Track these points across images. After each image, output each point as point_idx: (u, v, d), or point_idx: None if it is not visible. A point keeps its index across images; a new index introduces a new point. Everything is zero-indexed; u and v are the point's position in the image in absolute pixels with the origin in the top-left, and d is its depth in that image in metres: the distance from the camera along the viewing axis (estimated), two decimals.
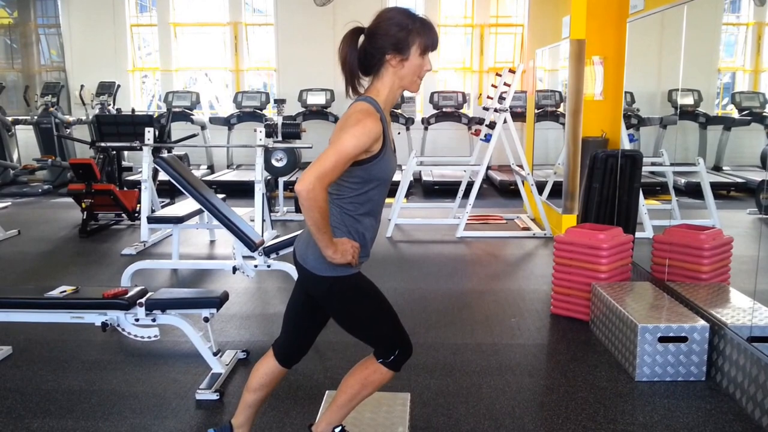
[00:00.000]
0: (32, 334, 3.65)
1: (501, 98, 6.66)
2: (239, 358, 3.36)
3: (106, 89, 10.13)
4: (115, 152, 7.58)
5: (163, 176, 4.79)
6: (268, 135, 6.37)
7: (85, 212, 6.36)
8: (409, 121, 9.83)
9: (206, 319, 3.14)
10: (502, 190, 8.82)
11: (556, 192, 6.30)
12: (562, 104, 7.91)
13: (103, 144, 7.08)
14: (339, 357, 3.35)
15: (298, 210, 6.80)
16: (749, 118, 6.24)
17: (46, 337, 3.64)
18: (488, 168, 7.97)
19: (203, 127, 9.93)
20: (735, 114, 6.57)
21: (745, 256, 3.81)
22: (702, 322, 3.11)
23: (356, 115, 1.95)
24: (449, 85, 10.87)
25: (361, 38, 2.01)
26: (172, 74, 10.90)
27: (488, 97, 7.27)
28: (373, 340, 2.20)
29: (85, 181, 6.36)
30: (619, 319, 3.31)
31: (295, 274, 4.01)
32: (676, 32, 4.32)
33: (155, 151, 6.16)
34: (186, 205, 5.45)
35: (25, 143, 10.00)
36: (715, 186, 5.59)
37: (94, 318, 3.06)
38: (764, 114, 5.97)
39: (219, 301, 3.15)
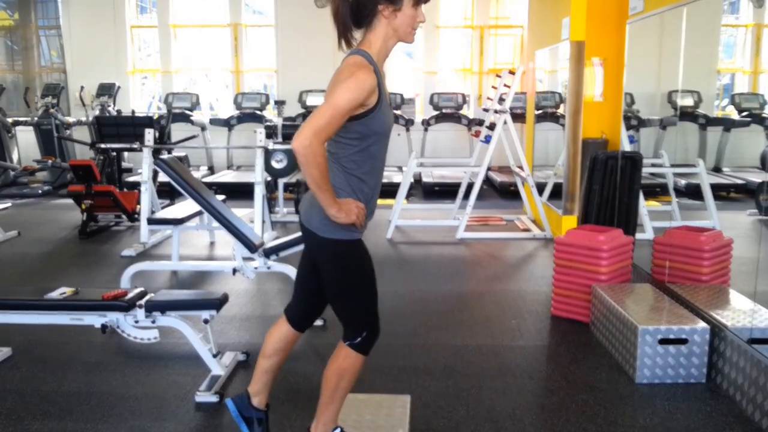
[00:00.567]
0: (32, 336, 3.65)
1: (501, 99, 6.66)
2: (239, 359, 3.36)
3: (106, 90, 10.15)
4: (115, 153, 7.58)
5: (163, 177, 4.79)
6: (269, 136, 6.38)
7: (85, 213, 6.35)
8: (409, 123, 9.82)
9: (206, 321, 3.14)
10: (502, 191, 8.82)
11: (556, 193, 6.29)
12: (562, 105, 7.91)
13: (103, 145, 7.08)
14: None
15: (298, 211, 6.80)
16: (749, 119, 6.24)
17: (45, 339, 3.64)
18: (488, 169, 7.96)
19: (203, 129, 9.93)
20: (735, 115, 6.57)
21: (745, 258, 3.81)
22: (702, 324, 3.11)
23: (349, 69, 1.95)
24: (449, 86, 10.87)
25: None
26: (172, 75, 10.90)
27: (488, 99, 7.27)
28: (347, 314, 2.19)
29: (85, 183, 6.36)
30: (620, 320, 3.31)
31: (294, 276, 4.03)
32: (676, 34, 4.32)
33: (155, 153, 6.16)
34: (186, 206, 5.45)
35: (25, 144, 10.00)
36: (715, 187, 5.58)
37: (94, 320, 3.06)
38: (764, 115, 5.97)
39: (219, 303, 3.15)
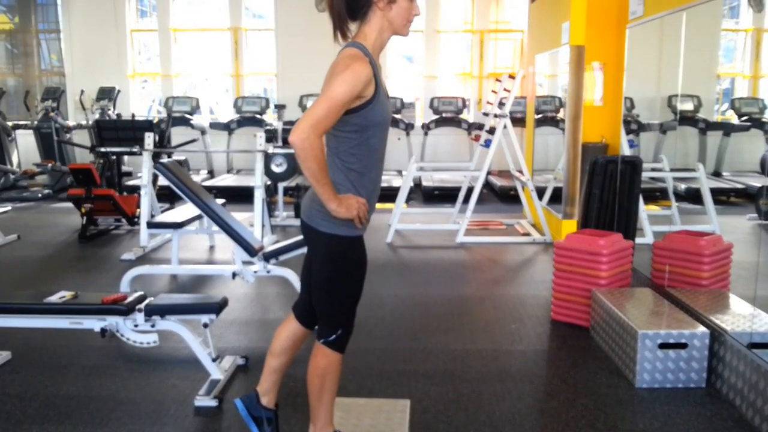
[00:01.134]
0: (31, 340, 3.64)
1: (501, 104, 6.67)
2: (238, 364, 3.35)
3: (107, 94, 10.15)
4: (115, 157, 7.58)
5: (162, 181, 4.79)
6: (269, 140, 6.38)
7: (85, 217, 6.35)
8: (409, 127, 9.83)
9: (205, 325, 3.14)
10: (502, 195, 8.82)
11: (556, 197, 6.30)
12: (561, 110, 7.92)
13: (103, 149, 7.08)
14: None
15: (297, 215, 6.80)
16: (749, 123, 6.24)
17: (45, 343, 3.63)
18: (488, 173, 7.96)
19: (203, 132, 9.93)
20: (734, 120, 6.58)
21: (745, 262, 3.81)
22: (702, 329, 3.11)
23: (345, 61, 1.96)
24: (449, 90, 10.87)
25: None
26: (172, 79, 10.91)
27: (488, 103, 7.27)
28: (327, 310, 2.19)
29: (85, 186, 6.36)
30: (620, 325, 3.30)
31: (295, 281, 4.03)
32: (676, 38, 4.33)
33: (155, 156, 6.16)
34: (186, 210, 5.44)
35: (25, 148, 10.00)
36: (714, 192, 5.59)
37: (93, 324, 3.05)
38: (763, 120, 5.98)
39: (218, 307, 3.14)
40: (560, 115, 8.09)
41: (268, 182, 6.68)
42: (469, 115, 10.46)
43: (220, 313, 3.17)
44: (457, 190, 7.26)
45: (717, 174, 6.60)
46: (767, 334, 2.99)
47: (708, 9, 4.12)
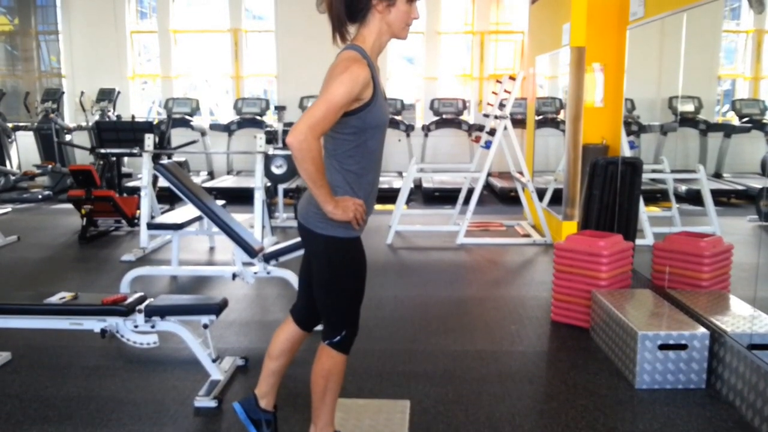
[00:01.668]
0: (31, 340, 3.64)
1: (501, 105, 6.67)
2: (238, 365, 3.35)
3: (106, 96, 10.16)
4: (115, 158, 7.59)
5: (162, 182, 4.79)
6: (269, 141, 6.38)
7: (85, 218, 6.35)
8: (409, 128, 9.83)
9: (205, 326, 3.14)
10: (502, 196, 8.82)
11: (557, 199, 6.30)
12: (562, 111, 7.93)
13: (103, 150, 7.08)
14: None
15: (297, 217, 6.80)
16: (749, 125, 6.25)
17: (45, 343, 3.63)
18: (488, 175, 7.97)
19: (203, 134, 9.94)
20: (735, 121, 6.58)
21: (746, 264, 3.81)
22: (702, 330, 3.11)
23: (343, 63, 1.96)
24: (449, 92, 10.88)
25: None
26: (172, 81, 10.92)
27: (488, 104, 7.28)
28: (329, 312, 2.19)
29: (85, 188, 6.36)
30: (620, 326, 3.30)
31: (295, 282, 4.03)
32: (676, 39, 4.33)
33: (155, 158, 6.16)
34: (186, 211, 5.45)
35: (26, 149, 10.01)
36: (715, 193, 5.60)
37: (93, 324, 3.05)
38: (764, 121, 5.98)
39: (218, 308, 3.14)
40: (561, 116, 8.10)
41: (268, 184, 6.68)
42: (469, 117, 10.47)
43: (220, 314, 3.17)
44: (458, 191, 7.26)
45: (717, 175, 6.61)
46: (767, 336, 2.99)
47: (709, 10, 4.13)
